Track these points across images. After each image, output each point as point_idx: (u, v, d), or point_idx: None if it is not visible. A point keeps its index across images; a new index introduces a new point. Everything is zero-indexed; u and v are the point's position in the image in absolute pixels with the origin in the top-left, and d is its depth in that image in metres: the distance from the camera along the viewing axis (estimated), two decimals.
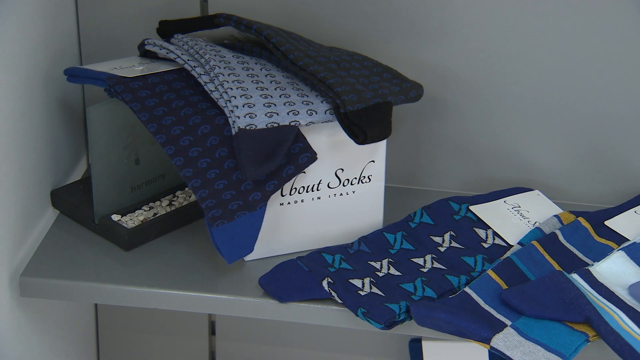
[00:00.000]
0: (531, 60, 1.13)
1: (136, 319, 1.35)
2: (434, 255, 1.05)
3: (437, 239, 1.08)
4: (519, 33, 1.12)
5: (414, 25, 1.14)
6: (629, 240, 1.06)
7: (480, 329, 0.93)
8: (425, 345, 1.27)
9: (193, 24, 1.11)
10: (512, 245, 1.07)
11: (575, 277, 0.99)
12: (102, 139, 1.06)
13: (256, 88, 1.02)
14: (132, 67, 1.07)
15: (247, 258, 1.05)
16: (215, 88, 1.02)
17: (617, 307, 0.95)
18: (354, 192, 1.07)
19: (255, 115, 0.99)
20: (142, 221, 1.08)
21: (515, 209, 1.13)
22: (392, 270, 1.03)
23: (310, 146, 1.01)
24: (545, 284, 0.97)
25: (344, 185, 1.06)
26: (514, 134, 1.17)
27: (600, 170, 1.17)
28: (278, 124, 0.99)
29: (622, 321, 0.93)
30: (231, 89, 1.01)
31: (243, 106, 0.99)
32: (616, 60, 1.12)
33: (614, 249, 1.04)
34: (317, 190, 1.05)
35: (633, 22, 1.09)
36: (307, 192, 1.05)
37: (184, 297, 1.01)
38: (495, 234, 1.09)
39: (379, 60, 1.10)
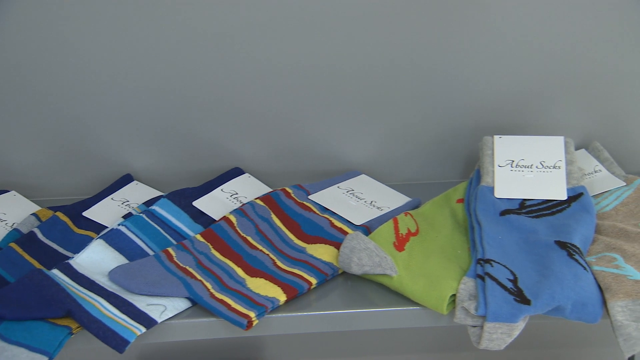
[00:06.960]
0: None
1: None
2: None
3: None
4: None
5: None
6: (107, 227, 1.08)
7: None
8: None
9: None
10: None
11: (56, 272, 0.98)
12: None
13: None
14: None
15: None
16: None
17: (98, 295, 0.96)
18: None
19: None
20: None
21: None
22: None
23: None
24: (24, 285, 0.95)
25: None
26: None
27: (74, 163, 1.17)
28: None
29: (103, 308, 0.95)
30: None
31: None
32: (172, 53, 1.11)
33: (93, 239, 1.06)
34: None
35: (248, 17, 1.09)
36: None
37: None
38: None
39: None
